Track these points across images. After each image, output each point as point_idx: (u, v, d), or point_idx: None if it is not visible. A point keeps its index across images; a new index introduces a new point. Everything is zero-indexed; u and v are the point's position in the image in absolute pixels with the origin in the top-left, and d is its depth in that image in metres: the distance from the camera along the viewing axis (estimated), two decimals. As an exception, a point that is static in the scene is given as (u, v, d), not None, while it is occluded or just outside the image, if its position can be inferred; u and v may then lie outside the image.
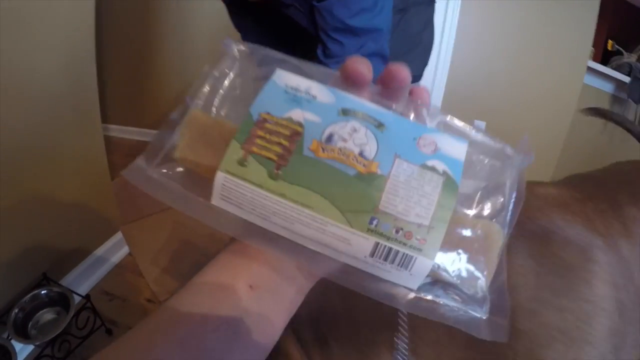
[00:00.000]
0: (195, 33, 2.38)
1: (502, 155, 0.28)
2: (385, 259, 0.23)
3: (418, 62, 1.21)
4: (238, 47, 0.29)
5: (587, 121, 2.57)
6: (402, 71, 0.26)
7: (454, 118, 0.28)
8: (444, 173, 0.24)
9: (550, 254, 0.52)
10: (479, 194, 0.27)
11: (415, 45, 1.16)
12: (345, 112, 0.25)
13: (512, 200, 0.27)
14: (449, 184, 0.24)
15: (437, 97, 2.29)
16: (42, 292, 1.11)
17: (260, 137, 0.24)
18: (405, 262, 0.23)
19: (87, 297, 1.14)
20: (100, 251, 1.40)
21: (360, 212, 0.23)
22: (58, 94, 1.14)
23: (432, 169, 0.24)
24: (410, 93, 0.28)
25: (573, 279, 0.51)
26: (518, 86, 2.26)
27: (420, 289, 0.24)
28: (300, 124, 0.24)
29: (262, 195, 0.23)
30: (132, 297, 1.32)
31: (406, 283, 0.24)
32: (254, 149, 0.23)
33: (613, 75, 2.48)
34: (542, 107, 2.30)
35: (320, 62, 0.90)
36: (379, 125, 0.25)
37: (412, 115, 0.27)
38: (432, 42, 1.24)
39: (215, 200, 0.24)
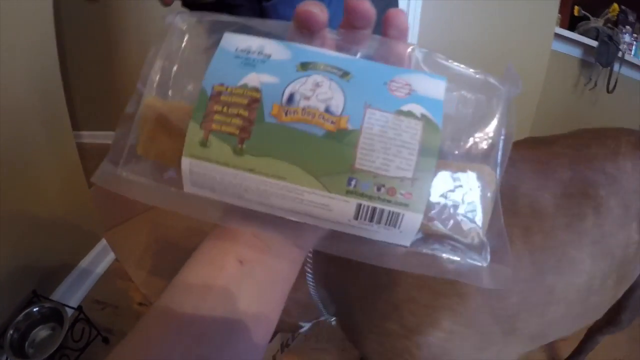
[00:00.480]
0: (155, 30, 2.33)
1: (487, 88, 0.25)
2: (371, 220, 0.21)
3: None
4: (184, 19, 0.27)
5: (557, 86, 2.63)
6: (363, 4, 0.23)
7: (433, 52, 0.26)
8: (423, 116, 0.22)
9: None
10: (465, 133, 0.24)
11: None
12: (305, 66, 0.23)
13: (502, 137, 0.25)
14: (430, 127, 0.22)
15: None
16: (35, 309, 1.10)
17: (217, 112, 0.22)
18: (392, 220, 0.21)
19: (79, 308, 1.14)
20: (86, 261, 1.39)
21: (335, 174, 0.21)
22: (25, 107, 1.11)
23: (409, 113, 0.22)
24: (385, 19, 0.25)
25: None
26: (487, 56, 2.28)
27: (413, 244, 0.23)
28: (257, 89, 0.22)
29: (230, 173, 0.22)
30: (124, 303, 1.32)
31: (398, 241, 0.23)
32: (214, 126, 0.22)
33: (581, 40, 2.53)
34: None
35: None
36: (344, 74, 0.22)
37: (387, 55, 0.25)
38: None
39: (187, 188, 0.23)
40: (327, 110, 0.21)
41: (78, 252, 1.38)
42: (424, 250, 0.23)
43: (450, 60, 0.26)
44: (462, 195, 0.22)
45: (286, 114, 0.21)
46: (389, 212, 0.21)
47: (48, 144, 1.22)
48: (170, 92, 0.26)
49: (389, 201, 0.21)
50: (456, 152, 0.24)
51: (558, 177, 0.64)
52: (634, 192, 0.64)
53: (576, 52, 2.62)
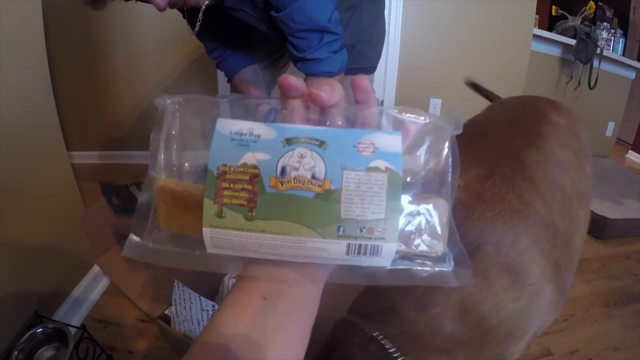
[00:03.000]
0: (140, 45, 2.38)
1: (435, 129, 0.31)
2: (359, 253, 0.27)
3: (371, 53, 1.28)
4: (172, 101, 0.32)
5: (539, 85, 2.69)
6: (319, 96, 0.29)
7: (389, 108, 0.31)
8: (387, 169, 0.27)
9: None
10: (421, 174, 0.31)
11: (367, 39, 1.24)
12: (289, 141, 0.28)
13: (449, 172, 0.31)
14: (393, 177, 0.27)
15: (391, 81, 2.36)
16: (38, 330, 1.12)
17: (226, 188, 0.27)
18: (374, 251, 0.27)
19: (82, 327, 1.16)
20: (86, 281, 1.40)
21: (327, 224, 0.27)
22: (19, 132, 1.13)
23: (376, 169, 0.27)
24: (352, 85, 0.31)
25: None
26: (468, 60, 2.34)
27: (393, 264, 0.29)
28: (255, 167, 0.27)
29: (246, 235, 0.27)
30: (126, 321, 1.34)
31: (381, 264, 0.29)
32: (225, 200, 0.27)
33: (559, 40, 2.59)
34: (494, 77, 2.38)
35: (294, 57, 1.02)
36: (321, 143, 0.28)
37: (354, 118, 0.31)
38: (383, 36, 1.32)
39: (210, 250, 0.28)
40: (313, 177, 0.27)
41: (78, 272, 1.39)
42: (402, 267, 0.30)
43: (403, 113, 0.31)
44: (424, 222, 0.29)
45: (282, 184, 0.27)
46: (371, 245, 0.27)
47: (44, 167, 1.24)
48: (175, 169, 0.31)
49: (369, 238, 0.27)
50: (416, 190, 0.30)
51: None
52: None
53: (556, 51, 2.69)
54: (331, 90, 0.29)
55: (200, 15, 0.93)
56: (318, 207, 0.27)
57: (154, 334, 1.26)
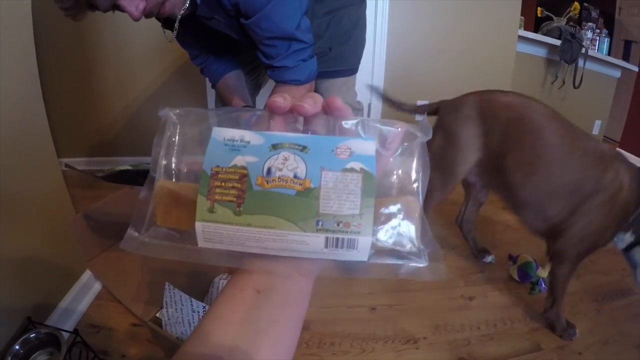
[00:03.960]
0: (129, 50, 2.39)
1: (408, 136, 0.34)
2: (337, 246, 0.30)
3: (349, 56, 1.31)
4: (174, 113, 0.35)
5: (525, 85, 2.73)
6: (302, 107, 0.32)
7: (366, 119, 0.34)
8: (361, 170, 0.30)
9: None
10: (394, 175, 0.34)
11: (344, 41, 1.26)
12: (275, 147, 0.31)
13: (420, 173, 0.34)
14: (367, 177, 0.30)
15: (378, 84, 2.39)
16: (32, 335, 1.12)
17: (217, 186, 0.30)
18: (351, 244, 0.30)
19: (75, 331, 1.16)
20: (78, 286, 1.40)
21: (307, 219, 0.29)
22: (9, 138, 1.13)
23: (351, 170, 0.31)
24: (327, 105, 0.34)
25: None
26: (455, 62, 2.37)
27: (370, 258, 0.31)
28: (244, 167, 0.31)
29: (234, 229, 0.30)
30: (118, 325, 1.34)
31: (358, 258, 0.31)
32: (217, 197, 0.30)
33: (544, 40, 2.64)
34: (480, 79, 2.41)
35: (263, 64, 1.04)
36: (303, 148, 0.31)
37: (334, 128, 0.34)
38: (363, 39, 1.35)
39: (201, 244, 0.31)
40: (295, 176, 0.30)
41: (70, 277, 1.39)
42: (379, 262, 0.32)
43: (379, 123, 0.34)
44: (398, 219, 0.32)
45: (267, 183, 0.30)
46: (348, 239, 0.30)
47: (34, 173, 1.24)
48: (174, 172, 0.35)
49: (346, 231, 0.30)
50: (391, 189, 0.33)
51: None
52: None
53: (541, 52, 2.73)
54: (313, 102, 0.33)
55: (176, 25, 0.95)
56: (299, 203, 0.30)
57: (146, 338, 1.27)
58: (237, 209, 0.30)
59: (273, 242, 0.30)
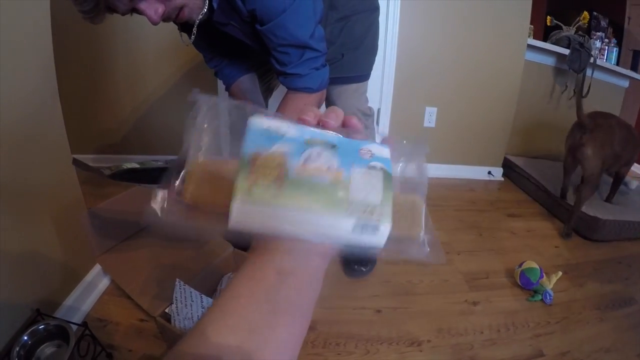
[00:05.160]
0: (142, 51, 2.41)
1: (413, 148, 0.40)
2: (362, 231, 0.33)
3: (361, 62, 1.33)
4: (205, 100, 0.38)
5: (534, 94, 2.74)
6: (328, 123, 0.38)
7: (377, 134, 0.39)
8: (381, 169, 0.35)
9: None
10: (404, 178, 0.39)
11: (356, 46, 1.27)
12: (309, 142, 0.35)
13: (423, 177, 0.40)
14: (386, 175, 0.35)
15: (387, 90, 2.40)
16: (40, 327, 1.13)
17: (256, 170, 0.33)
18: (374, 230, 0.34)
19: (84, 324, 1.18)
20: (87, 280, 1.42)
21: (339, 205, 0.33)
22: (25, 134, 1.16)
23: (374, 167, 0.35)
24: (344, 124, 0.40)
25: None
26: (463, 70, 2.39)
27: (385, 244, 0.35)
28: (282, 155, 0.33)
29: (269, 211, 0.32)
30: (125, 320, 1.35)
31: (376, 244, 0.35)
32: (256, 179, 0.32)
33: (553, 49, 2.64)
34: (488, 86, 2.43)
35: (276, 70, 1.05)
36: (333, 146, 0.35)
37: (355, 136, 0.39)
38: (376, 46, 1.36)
39: (232, 224, 0.33)
40: (328, 168, 0.34)
41: (78, 270, 1.41)
42: (391, 247, 0.36)
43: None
44: (408, 211, 0.38)
45: (303, 171, 0.33)
46: (372, 225, 0.34)
47: (48, 168, 1.26)
48: (205, 154, 0.37)
49: (370, 219, 0.33)
50: (400, 189, 0.38)
51: None
52: None
53: (550, 61, 2.73)
54: (336, 117, 0.39)
55: (194, 29, 0.96)
56: (332, 190, 0.33)
57: (153, 333, 1.28)
58: (276, 191, 0.32)
59: (306, 225, 0.33)
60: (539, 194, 2.39)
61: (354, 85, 1.34)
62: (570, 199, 2.20)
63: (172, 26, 1.05)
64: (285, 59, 1.00)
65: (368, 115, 1.39)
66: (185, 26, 0.98)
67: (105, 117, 2.58)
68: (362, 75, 1.35)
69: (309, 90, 1.04)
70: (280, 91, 1.48)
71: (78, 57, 2.41)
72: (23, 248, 1.17)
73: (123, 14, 0.85)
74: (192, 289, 1.14)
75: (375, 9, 1.30)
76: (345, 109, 1.27)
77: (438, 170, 2.58)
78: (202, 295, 1.11)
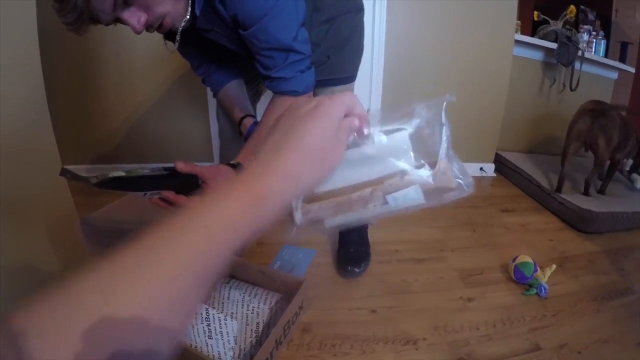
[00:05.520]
0: (131, 59, 2.42)
1: (431, 107, 0.48)
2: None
3: (347, 64, 1.33)
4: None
5: (523, 89, 2.75)
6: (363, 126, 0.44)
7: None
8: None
9: None
10: (430, 145, 0.48)
11: (342, 47, 1.27)
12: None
13: (447, 137, 0.48)
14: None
15: (376, 90, 2.41)
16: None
17: None
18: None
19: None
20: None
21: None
22: (14, 146, 1.16)
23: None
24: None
25: None
26: (452, 67, 2.40)
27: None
28: None
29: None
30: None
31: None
32: None
33: (540, 44, 2.66)
34: (478, 83, 2.44)
35: (261, 75, 1.05)
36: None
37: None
38: (361, 47, 1.36)
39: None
40: None
41: None
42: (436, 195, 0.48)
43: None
44: (442, 172, 0.48)
45: None
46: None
47: (39, 179, 1.26)
48: None
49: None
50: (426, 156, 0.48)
51: None
52: None
53: (538, 56, 2.75)
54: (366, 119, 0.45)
55: (177, 37, 0.96)
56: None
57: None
58: None
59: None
60: (531, 189, 2.40)
61: (341, 87, 1.34)
62: (567, 191, 2.21)
63: (160, 34, 1.06)
64: (270, 63, 1.00)
65: None
66: (169, 34, 0.98)
67: (96, 127, 2.58)
68: (350, 76, 1.36)
69: (295, 93, 1.04)
70: (267, 96, 1.49)
71: (67, 68, 2.41)
72: (17, 260, 1.17)
73: (107, 24, 0.85)
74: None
75: (360, 9, 1.30)
76: None
77: None
78: (207, 307, 1.10)
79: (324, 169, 0.40)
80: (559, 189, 2.22)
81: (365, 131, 0.44)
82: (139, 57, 2.38)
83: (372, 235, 1.67)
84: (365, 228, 1.62)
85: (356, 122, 0.43)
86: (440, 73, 2.41)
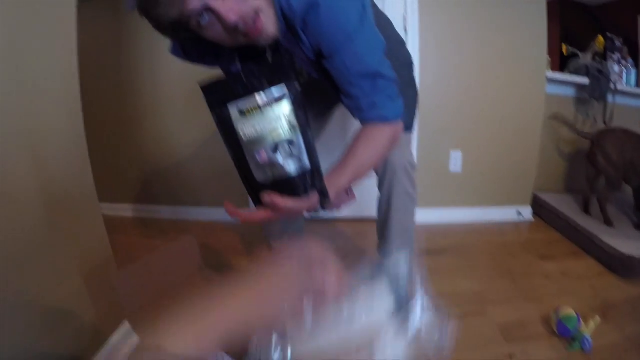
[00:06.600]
0: (169, 104, 2.48)
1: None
2: None
3: (406, 112, 1.31)
4: None
5: (557, 127, 2.70)
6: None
7: None
8: None
9: None
10: None
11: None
12: None
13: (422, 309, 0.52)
14: None
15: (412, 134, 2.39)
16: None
17: None
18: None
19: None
20: (115, 338, 1.42)
21: None
22: (51, 181, 1.18)
23: None
24: None
25: None
26: (486, 110, 2.38)
27: None
28: None
29: None
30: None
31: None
32: None
33: (572, 80, 2.62)
34: (511, 125, 2.41)
35: (347, 105, 1.00)
36: None
37: None
38: (416, 99, 1.34)
39: None
40: None
41: (107, 328, 1.41)
42: None
43: None
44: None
45: None
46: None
47: (75, 220, 1.29)
48: None
49: None
50: None
51: None
52: None
53: (570, 92, 2.71)
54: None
55: (269, 53, 0.93)
56: None
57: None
58: None
59: None
60: (570, 232, 2.33)
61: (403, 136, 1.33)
62: (597, 215, 2.32)
63: (203, 75, 1.02)
64: (357, 92, 0.95)
65: (414, 168, 1.36)
66: (247, 53, 0.94)
67: (134, 168, 2.66)
68: (408, 126, 1.31)
69: (385, 120, 0.98)
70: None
71: (107, 109, 2.51)
72: (51, 304, 1.17)
73: (193, 16, 0.76)
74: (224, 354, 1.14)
75: (411, 64, 1.31)
76: (397, 161, 1.27)
77: (467, 215, 2.53)
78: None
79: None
80: (586, 210, 2.43)
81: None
82: (176, 103, 2.46)
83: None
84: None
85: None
86: (474, 117, 2.39)
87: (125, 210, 2.75)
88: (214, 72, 1.06)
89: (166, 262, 1.47)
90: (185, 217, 2.63)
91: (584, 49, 3.01)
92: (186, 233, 2.40)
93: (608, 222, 2.24)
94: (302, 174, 0.76)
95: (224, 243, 2.21)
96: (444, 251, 2.09)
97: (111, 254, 1.48)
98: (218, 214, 2.55)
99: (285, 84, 0.72)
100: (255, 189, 0.79)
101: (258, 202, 0.81)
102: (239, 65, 1.01)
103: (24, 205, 1.09)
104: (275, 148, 0.73)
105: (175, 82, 2.41)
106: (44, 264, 1.15)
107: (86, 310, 1.32)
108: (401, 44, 1.35)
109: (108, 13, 2.52)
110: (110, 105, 2.54)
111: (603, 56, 3.04)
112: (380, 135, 0.99)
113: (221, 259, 2.01)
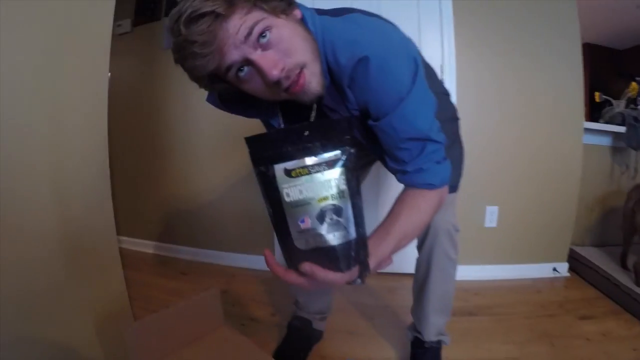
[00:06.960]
0: (200, 143, 2.47)
1: None
2: None
3: (452, 172, 1.23)
4: None
5: (594, 179, 2.60)
6: None
7: None
8: None
9: None
10: None
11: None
12: None
13: None
14: None
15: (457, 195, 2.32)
16: None
17: None
18: None
19: None
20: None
21: None
22: (76, 239, 1.16)
23: None
24: None
25: None
26: (521, 164, 2.30)
27: None
28: None
29: None
30: None
31: None
32: None
33: (608, 129, 2.55)
34: (549, 178, 2.33)
35: (392, 169, 0.95)
36: None
37: None
38: (462, 157, 1.30)
39: None
40: None
41: None
42: None
43: None
44: None
45: None
46: None
47: (92, 257, 1.26)
48: None
49: None
50: None
51: None
52: None
53: (605, 141, 2.62)
54: None
55: (313, 113, 0.88)
56: None
57: None
58: None
59: None
60: (609, 288, 2.19)
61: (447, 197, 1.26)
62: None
63: (233, 122, 0.97)
64: (405, 156, 0.89)
65: (457, 231, 1.28)
66: (291, 111, 0.90)
67: (155, 203, 2.65)
68: (451, 186, 1.26)
69: (431, 186, 0.91)
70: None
71: (136, 142, 2.55)
72: (61, 347, 1.14)
73: (231, 70, 0.73)
74: None
75: (456, 118, 1.26)
76: (440, 223, 1.20)
77: (502, 272, 2.39)
78: None
79: None
80: (623, 265, 2.28)
81: None
82: (206, 145, 2.46)
83: (444, 353, 1.54)
84: (439, 349, 1.49)
85: None
86: (511, 171, 2.30)
87: (145, 247, 2.72)
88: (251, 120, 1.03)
89: (186, 318, 1.40)
90: (205, 259, 2.56)
91: (615, 94, 2.94)
92: (204, 276, 2.34)
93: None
94: (347, 244, 0.69)
95: (246, 292, 2.13)
96: (478, 311, 1.98)
97: (126, 296, 1.43)
98: (239, 260, 2.48)
99: (340, 148, 0.66)
100: (292, 252, 0.72)
101: (293, 265, 0.74)
102: (281, 120, 0.96)
103: (43, 240, 1.07)
104: (321, 216, 0.66)
105: (208, 121, 2.40)
106: (53, 301, 1.12)
107: (94, 353, 1.28)
108: (446, 95, 1.29)
109: (144, 48, 2.56)
110: (140, 139, 2.56)
111: (634, 102, 2.96)
112: (425, 202, 0.92)
113: (244, 310, 1.92)
